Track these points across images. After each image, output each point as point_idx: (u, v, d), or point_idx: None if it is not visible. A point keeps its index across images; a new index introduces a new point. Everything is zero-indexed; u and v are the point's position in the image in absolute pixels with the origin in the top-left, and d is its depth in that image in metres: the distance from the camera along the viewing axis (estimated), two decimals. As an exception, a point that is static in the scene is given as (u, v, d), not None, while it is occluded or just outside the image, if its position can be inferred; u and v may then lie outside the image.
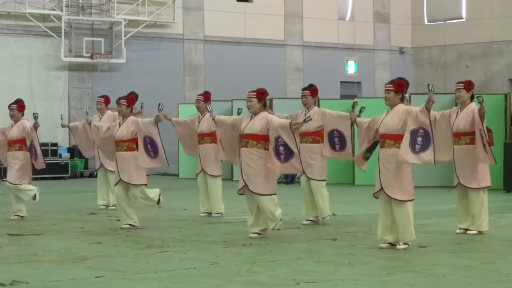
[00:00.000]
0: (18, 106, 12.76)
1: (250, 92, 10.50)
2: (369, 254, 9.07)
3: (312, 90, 11.95)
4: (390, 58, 30.47)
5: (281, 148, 10.06)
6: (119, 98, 11.57)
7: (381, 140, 9.49)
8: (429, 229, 11.26)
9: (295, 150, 10.00)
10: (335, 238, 10.36)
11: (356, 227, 11.40)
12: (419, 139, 9.18)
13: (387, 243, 9.43)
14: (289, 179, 20.66)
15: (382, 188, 9.39)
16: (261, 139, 10.25)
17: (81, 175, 24.13)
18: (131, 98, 11.53)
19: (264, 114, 10.32)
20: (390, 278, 7.68)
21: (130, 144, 11.43)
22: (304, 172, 11.63)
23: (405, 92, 9.51)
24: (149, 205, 11.82)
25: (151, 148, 11.37)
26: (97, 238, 10.51)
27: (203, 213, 13.09)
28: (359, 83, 29.34)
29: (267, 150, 10.24)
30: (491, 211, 12.69)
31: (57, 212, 14.02)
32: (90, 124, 13.82)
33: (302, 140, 11.61)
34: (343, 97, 26.69)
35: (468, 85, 10.67)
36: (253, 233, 10.41)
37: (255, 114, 10.37)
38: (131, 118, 11.49)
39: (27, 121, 12.70)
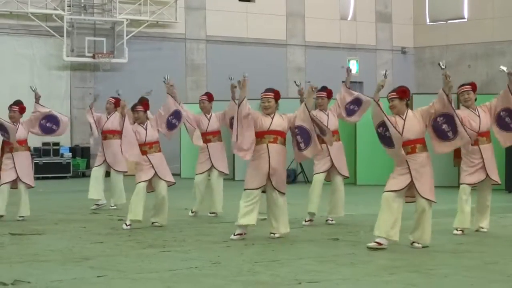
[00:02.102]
0: (20, 108, 12.81)
1: (267, 92, 10.46)
2: (371, 254, 9.07)
3: (328, 92, 12.21)
4: (392, 58, 30.47)
5: (298, 137, 10.28)
6: (135, 105, 11.68)
7: (408, 146, 9.44)
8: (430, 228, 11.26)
9: (312, 133, 10.22)
10: (337, 238, 10.36)
11: (358, 227, 11.41)
12: (445, 126, 9.47)
13: (376, 242, 9.44)
14: (290, 179, 20.66)
15: (403, 191, 9.47)
16: (284, 136, 10.41)
17: (83, 175, 24.15)
18: (146, 103, 11.74)
19: (278, 114, 10.41)
20: (392, 278, 7.68)
21: (159, 145, 11.73)
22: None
23: (409, 99, 9.62)
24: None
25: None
26: (99, 237, 10.52)
27: (211, 213, 13.14)
28: (361, 83, 29.34)
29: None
30: (493, 211, 12.71)
31: (59, 211, 14.03)
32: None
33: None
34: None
35: (475, 87, 10.96)
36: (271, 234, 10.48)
37: (271, 114, 10.38)
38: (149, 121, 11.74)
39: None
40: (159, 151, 11.69)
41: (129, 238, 10.46)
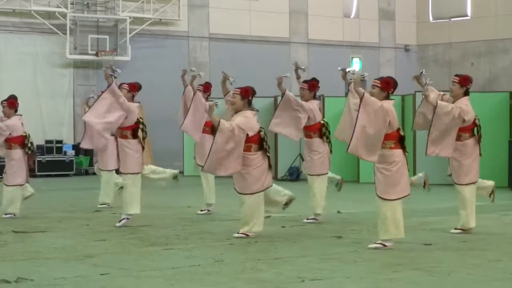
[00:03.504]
0: (9, 103, 12.72)
1: (236, 88, 10.30)
2: (374, 251, 9.07)
3: (310, 84, 11.98)
4: (395, 56, 30.45)
5: None
6: (121, 84, 11.65)
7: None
8: (433, 226, 11.27)
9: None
10: (340, 236, 10.36)
11: (361, 225, 11.40)
12: None
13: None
14: (294, 176, 20.66)
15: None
16: None
17: (86, 173, 24.17)
18: (134, 84, 11.68)
19: (244, 114, 10.11)
20: (395, 275, 7.68)
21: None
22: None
23: (391, 92, 9.39)
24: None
25: None
26: (102, 235, 10.53)
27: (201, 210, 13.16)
28: (364, 81, 29.31)
29: (247, 151, 10.06)
30: (496, 208, 12.69)
31: (62, 209, 14.04)
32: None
33: None
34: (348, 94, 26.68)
35: (463, 81, 10.40)
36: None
37: (237, 111, 10.14)
38: None
39: (16, 118, 12.69)
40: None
41: (132, 235, 10.47)
